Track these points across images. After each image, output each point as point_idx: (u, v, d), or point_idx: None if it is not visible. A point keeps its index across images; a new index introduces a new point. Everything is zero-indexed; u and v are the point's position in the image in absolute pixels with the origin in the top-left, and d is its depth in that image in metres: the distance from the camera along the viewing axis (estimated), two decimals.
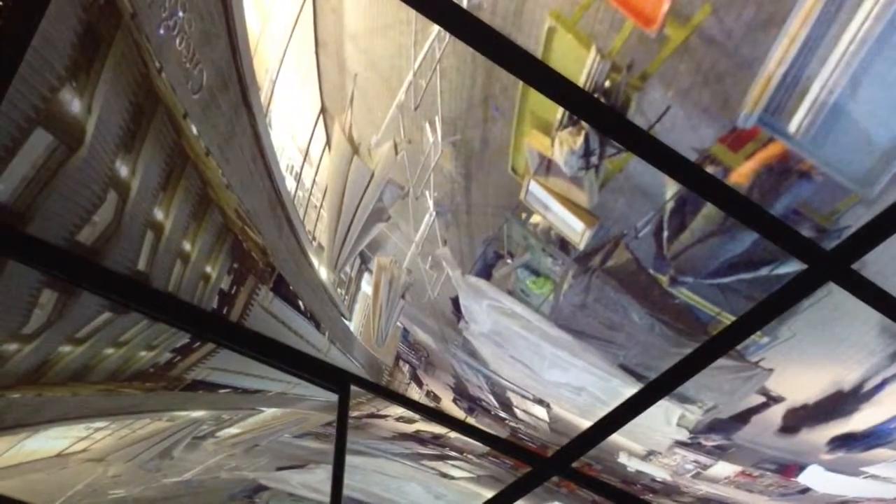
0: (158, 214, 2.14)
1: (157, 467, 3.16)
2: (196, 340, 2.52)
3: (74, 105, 1.82)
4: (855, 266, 2.16)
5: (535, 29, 1.76)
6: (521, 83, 1.88)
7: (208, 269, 2.35)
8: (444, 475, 3.53)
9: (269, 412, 3.01)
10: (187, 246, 2.26)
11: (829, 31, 1.67)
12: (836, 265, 2.15)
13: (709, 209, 2.05)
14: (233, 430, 3.07)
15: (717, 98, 1.81)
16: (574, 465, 3.26)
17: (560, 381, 2.80)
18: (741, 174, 1.95)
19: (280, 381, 2.74)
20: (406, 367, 2.92)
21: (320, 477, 3.43)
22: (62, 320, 2.35)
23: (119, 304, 2.35)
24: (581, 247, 2.26)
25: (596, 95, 1.85)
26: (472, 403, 3.09)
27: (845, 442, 2.87)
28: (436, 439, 3.26)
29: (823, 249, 2.11)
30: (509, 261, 2.39)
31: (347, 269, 2.54)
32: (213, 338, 2.54)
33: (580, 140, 1.97)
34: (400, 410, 3.04)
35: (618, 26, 1.73)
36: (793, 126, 1.83)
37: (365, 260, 2.51)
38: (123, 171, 2.00)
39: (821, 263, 2.15)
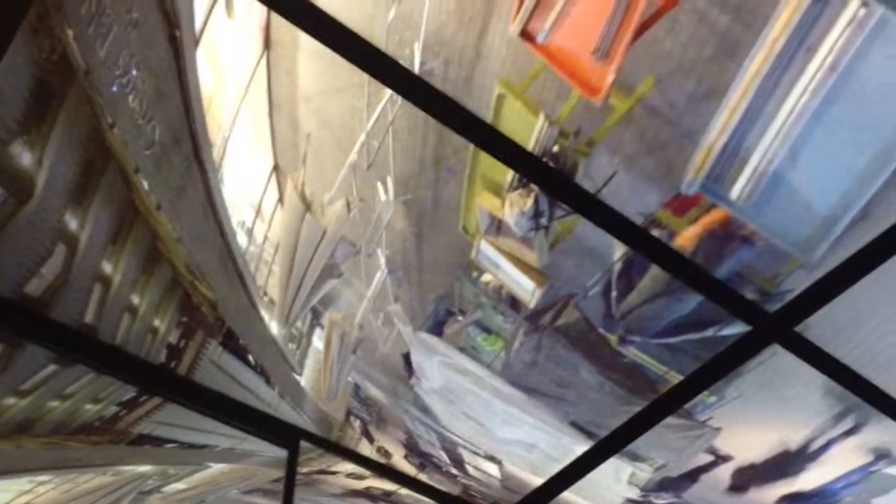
0: (107, 268, 2.12)
1: None
2: (143, 394, 2.48)
3: (25, 158, 1.80)
4: (798, 328, 2.20)
5: (485, 95, 1.80)
6: (472, 146, 1.92)
7: (157, 322, 2.33)
8: None
9: (217, 467, 2.96)
10: (136, 299, 2.24)
11: (768, 104, 1.73)
12: (779, 327, 2.19)
13: (655, 271, 2.09)
14: (179, 486, 3.01)
15: (661, 165, 1.86)
16: None
17: (512, 437, 2.80)
18: (686, 238, 1.99)
19: (228, 436, 2.70)
20: (357, 423, 2.91)
21: None
22: (6, 372, 2.30)
23: (65, 356, 2.30)
24: (531, 305, 2.28)
25: (545, 159, 1.88)
26: (424, 459, 3.08)
27: (793, 501, 2.89)
28: (386, 496, 3.22)
29: (767, 312, 2.14)
30: (461, 318, 2.41)
31: (299, 324, 2.53)
32: (160, 392, 2.49)
33: (530, 201, 2.00)
34: (350, 466, 3.01)
35: (565, 95, 1.78)
36: (734, 193, 1.88)
37: (317, 315, 2.51)
38: (73, 224, 1.98)
39: (764, 325, 2.18)
